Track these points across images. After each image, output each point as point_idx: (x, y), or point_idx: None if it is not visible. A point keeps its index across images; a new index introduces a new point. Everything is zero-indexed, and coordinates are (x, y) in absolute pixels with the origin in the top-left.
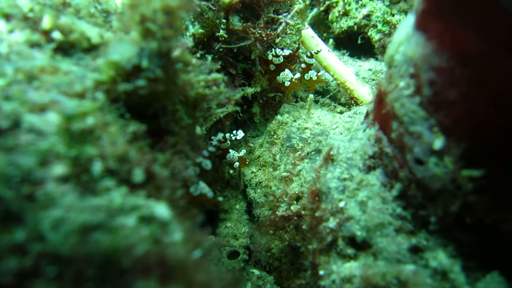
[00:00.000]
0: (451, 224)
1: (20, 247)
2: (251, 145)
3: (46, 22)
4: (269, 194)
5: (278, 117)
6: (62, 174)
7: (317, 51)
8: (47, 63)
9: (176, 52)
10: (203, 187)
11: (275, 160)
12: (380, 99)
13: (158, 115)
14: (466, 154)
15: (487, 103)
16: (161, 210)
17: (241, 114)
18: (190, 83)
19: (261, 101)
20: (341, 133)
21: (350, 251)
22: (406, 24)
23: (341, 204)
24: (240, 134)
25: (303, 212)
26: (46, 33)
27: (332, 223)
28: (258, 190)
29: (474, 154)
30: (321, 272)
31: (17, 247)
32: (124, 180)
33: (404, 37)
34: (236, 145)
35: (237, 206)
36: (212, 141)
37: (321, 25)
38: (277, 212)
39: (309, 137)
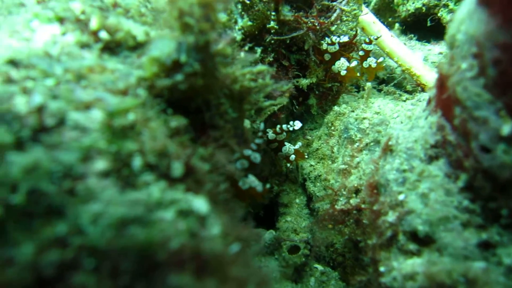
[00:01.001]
0: None
1: (61, 240)
2: (309, 137)
3: (94, 22)
4: (328, 187)
5: (336, 108)
6: (103, 169)
7: (377, 37)
8: (95, 63)
9: (218, 46)
10: (253, 181)
11: (333, 152)
12: (441, 83)
13: (202, 110)
14: None
15: None
16: (199, 204)
17: (297, 107)
18: (232, 76)
19: (317, 92)
20: (402, 122)
21: (412, 246)
22: (468, 0)
23: (401, 197)
24: (298, 124)
25: (362, 206)
26: (94, 34)
27: (391, 217)
28: (318, 184)
29: None
30: (382, 269)
31: (58, 240)
32: (164, 174)
33: (466, 14)
34: (294, 138)
35: (297, 200)
36: (267, 134)
37: (386, 10)
38: (335, 206)
39: (367, 127)
